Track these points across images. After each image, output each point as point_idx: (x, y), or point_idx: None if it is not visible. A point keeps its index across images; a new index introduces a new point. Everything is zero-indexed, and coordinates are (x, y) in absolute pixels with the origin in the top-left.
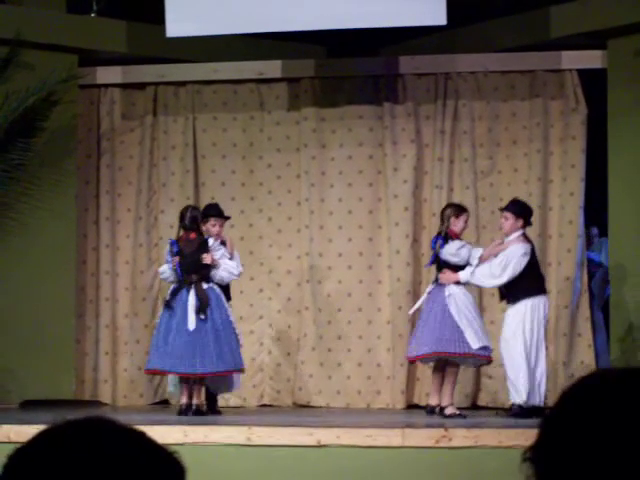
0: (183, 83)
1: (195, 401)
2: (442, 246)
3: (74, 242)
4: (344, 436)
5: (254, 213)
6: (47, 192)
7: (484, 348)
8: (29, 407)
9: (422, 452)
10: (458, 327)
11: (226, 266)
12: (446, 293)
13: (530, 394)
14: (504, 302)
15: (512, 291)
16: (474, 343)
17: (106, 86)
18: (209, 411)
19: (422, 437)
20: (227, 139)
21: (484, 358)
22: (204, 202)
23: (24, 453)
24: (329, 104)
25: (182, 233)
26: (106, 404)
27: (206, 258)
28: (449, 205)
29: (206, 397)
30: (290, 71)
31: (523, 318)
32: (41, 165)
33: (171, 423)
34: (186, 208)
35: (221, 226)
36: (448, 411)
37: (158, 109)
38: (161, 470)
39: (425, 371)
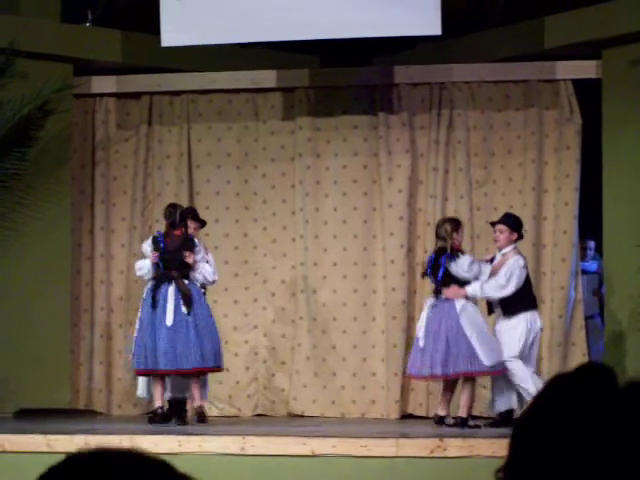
0: (178, 93)
1: (196, 403)
2: (453, 263)
3: (69, 251)
4: (339, 446)
5: (249, 223)
6: (42, 201)
7: (497, 364)
8: (24, 416)
9: (417, 462)
10: (471, 343)
11: (203, 270)
12: (457, 308)
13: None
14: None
15: (509, 304)
16: (487, 360)
17: (101, 95)
18: (178, 420)
19: (417, 447)
20: (222, 149)
21: (497, 374)
22: (199, 212)
23: (55, 475)
24: (324, 114)
25: (167, 229)
26: (101, 413)
27: (188, 256)
28: (445, 221)
29: (174, 405)
30: (285, 81)
31: (524, 331)
32: (36, 174)
33: (165, 433)
34: (173, 206)
35: (196, 229)
36: (471, 423)
37: (153, 119)
38: None
39: (419, 381)
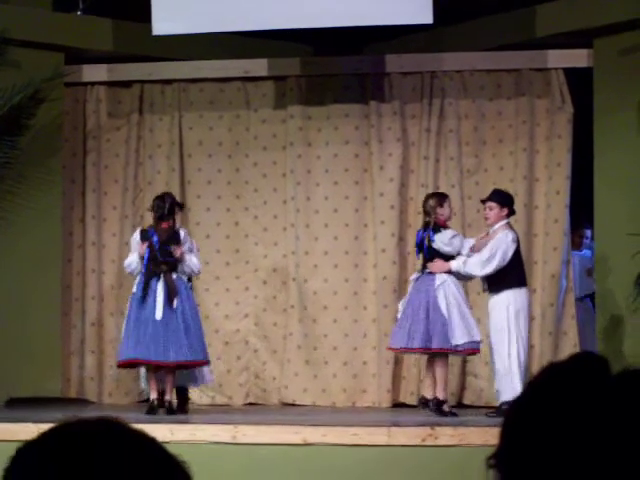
0: (169, 81)
1: (167, 397)
2: (432, 237)
3: (60, 240)
4: (330, 434)
5: (240, 211)
6: (33, 190)
7: (470, 342)
8: (15, 405)
9: (408, 451)
10: (445, 320)
11: (190, 263)
12: (436, 283)
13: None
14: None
15: (496, 280)
16: (459, 338)
17: (92, 84)
18: (178, 409)
19: (408, 436)
20: (213, 137)
21: (468, 352)
22: (190, 201)
23: (32, 448)
24: (315, 102)
25: (156, 222)
26: (92, 402)
27: (177, 251)
28: (430, 196)
29: (176, 394)
30: (276, 69)
31: (509, 309)
32: (27, 163)
33: (157, 421)
34: (162, 198)
35: (176, 214)
36: (446, 407)
37: (144, 107)
38: (168, 477)
39: (411, 369)
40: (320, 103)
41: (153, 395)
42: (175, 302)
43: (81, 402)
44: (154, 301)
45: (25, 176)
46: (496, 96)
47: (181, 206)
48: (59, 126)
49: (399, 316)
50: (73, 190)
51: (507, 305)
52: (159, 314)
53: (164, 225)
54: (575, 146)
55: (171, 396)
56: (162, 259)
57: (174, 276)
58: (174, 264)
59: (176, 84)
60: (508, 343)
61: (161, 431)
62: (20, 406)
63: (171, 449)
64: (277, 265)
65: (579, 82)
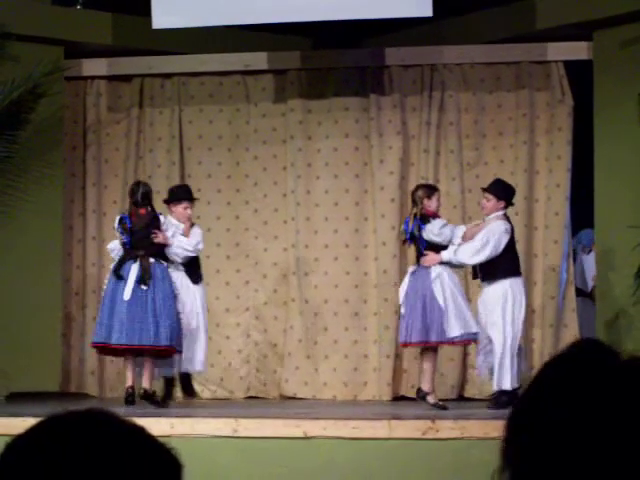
0: (169, 75)
1: (144, 385)
2: (422, 227)
3: (60, 234)
4: (330, 428)
5: (240, 205)
6: (33, 184)
7: (467, 334)
8: (15, 400)
9: (409, 444)
10: (442, 312)
11: (179, 243)
12: (432, 275)
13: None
14: (479, 282)
15: (490, 270)
16: (455, 330)
17: (92, 78)
18: (183, 392)
19: (409, 429)
20: (213, 131)
21: (464, 343)
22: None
23: (22, 442)
24: (315, 96)
25: (132, 209)
26: (93, 396)
27: (158, 237)
28: (419, 187)
29: (180, 378)
30: (276, 63)
31: (506, 299)
32: (27, 157)
33: (157, 415)
34: (137, 184)
35: (186, 208)
36: (431, 400)
37: (144, 101)
38: (158, 466)
39: (412, 362)
40: (320, 96)
41: (128, 383)
42: (147, 284)
43: (81, 396)
44: (126, 283)
45: (25, 170)
46: (496, 89)
47: (191, 199)
48: (59, 120)
49: (402, 311)
50: (73, 184)
51: (502, 294)
52: (127, 295)
53: (141, 211)
54: (575, 139)
55: (149, 384)
56: (141, 244)
57: (151, 260)
58: (154, 250)
59: (176, 78)
60: (503, 331)
61: (161, 425)
62: (20, 401)
63: (172, 443)
64: (277, 258)
65: (579, 75)
